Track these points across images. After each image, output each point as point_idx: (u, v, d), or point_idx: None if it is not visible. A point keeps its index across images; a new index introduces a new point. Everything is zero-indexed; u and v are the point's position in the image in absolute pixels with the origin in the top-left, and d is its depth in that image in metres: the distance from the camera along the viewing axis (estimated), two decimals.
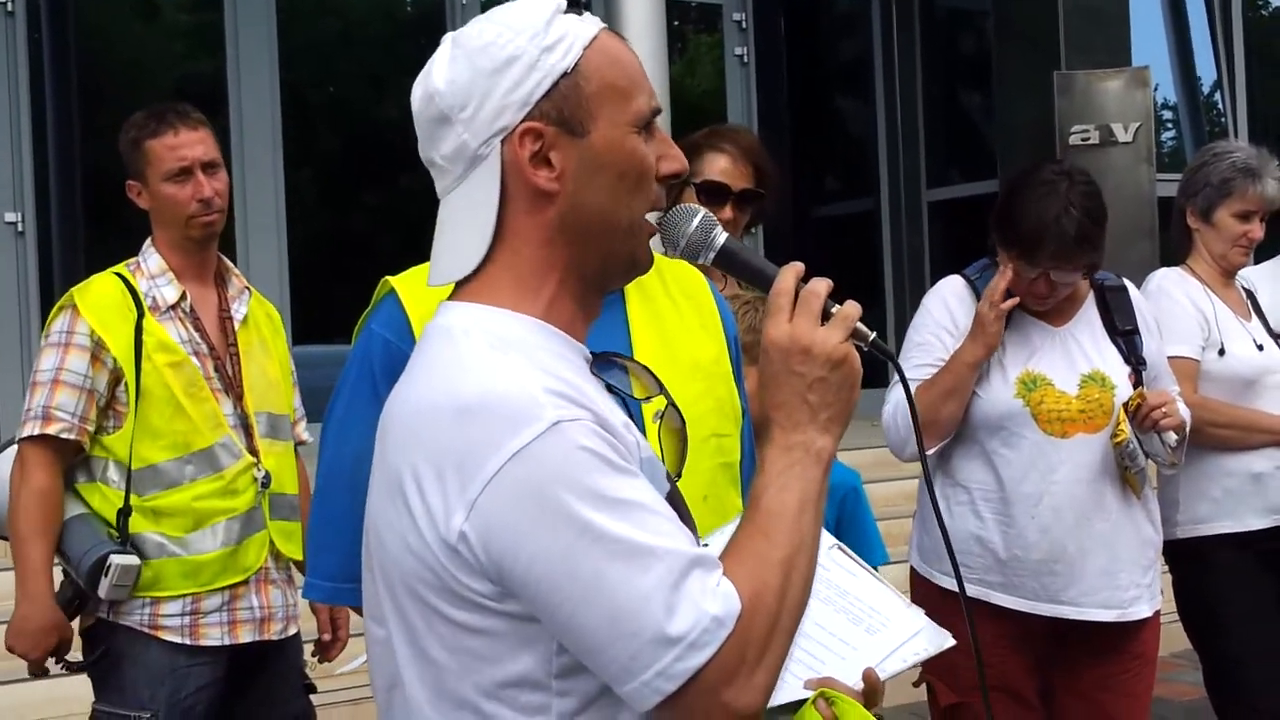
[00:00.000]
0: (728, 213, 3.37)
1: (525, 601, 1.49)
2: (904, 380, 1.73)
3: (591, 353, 1.69)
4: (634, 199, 1.64)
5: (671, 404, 1.75)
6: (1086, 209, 3.50)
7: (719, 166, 3.40)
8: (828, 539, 2.16)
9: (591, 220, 1.63)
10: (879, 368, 1.76)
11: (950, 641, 2.12)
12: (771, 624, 1.50)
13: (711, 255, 1.70)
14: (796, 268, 1.65)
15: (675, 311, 2.41)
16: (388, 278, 2.38)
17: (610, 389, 1.66)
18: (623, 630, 1.45)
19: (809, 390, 1.61)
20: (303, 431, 3.93)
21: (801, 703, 1.85)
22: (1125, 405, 3.55)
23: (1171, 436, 3.56)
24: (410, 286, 2.32)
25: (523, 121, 1.60)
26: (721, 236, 1.70)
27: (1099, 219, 3.53)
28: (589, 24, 1.65)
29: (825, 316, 1.64)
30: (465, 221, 1.64)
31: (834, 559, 2.16)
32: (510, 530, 1.47)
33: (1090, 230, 3.49)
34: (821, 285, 1.64)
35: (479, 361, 1.55)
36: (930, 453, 3.70)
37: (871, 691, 1.92)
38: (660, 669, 1.45)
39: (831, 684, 1.87)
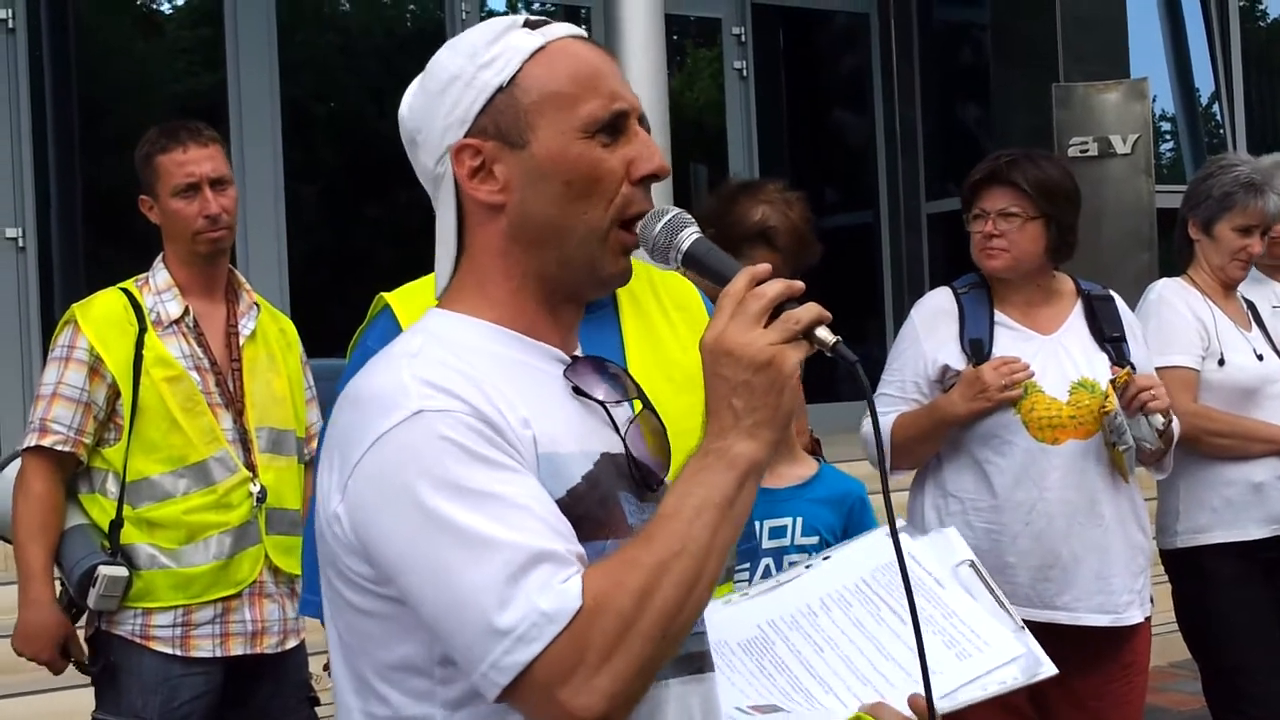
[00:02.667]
0: None
1: (391, 585, 1.53)
2: (867, 390, 1.62)
3: (573, 357, 1.70)
4: (587, 206, 1.63)
5: (648, 407, 1.74)
6: (1030, 156, 3.68)
7: (763, 261, 3.35)
8: (961, 554, 2.16)
9: (542, 229, 1.65)
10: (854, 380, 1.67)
11: (1049, 671, 2.07)
12: (622, 627, 1.45)
13: (679, 257, 1.66)
14: (754, 270, 1.59)
15: (668, 324, 2.43)
16: (383, 294, 2.41)
17: (577, 391, 1.67)
18: (461, 619, 1.46)
19: (733, 394, 1.54)
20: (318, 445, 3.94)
21: None
22: (1113, 381, 3.59)
23: (1159, 419, 3.58)
24: (405, 302, 2.34)
25: (463, 138, 1.65)
26: (689, 240, 1.65)
27: (1047, 170, 3.68)
28: (537, 37, 1.66)
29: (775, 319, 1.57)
30: (441, 237, 1.71)
31: (959, 577, 2.13)
32: (370, 513, 1.52)
33: (1027, 166, 3.65)
34: (772, 288, 1.57)
35: (388, 357, 1.61)
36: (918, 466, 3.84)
37: None
38: (492, 661, 1.45)
39: (879, 710, 1.82)
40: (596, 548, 1.56)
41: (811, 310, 1.56)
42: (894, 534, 1.65)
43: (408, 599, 1.51)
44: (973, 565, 2.19)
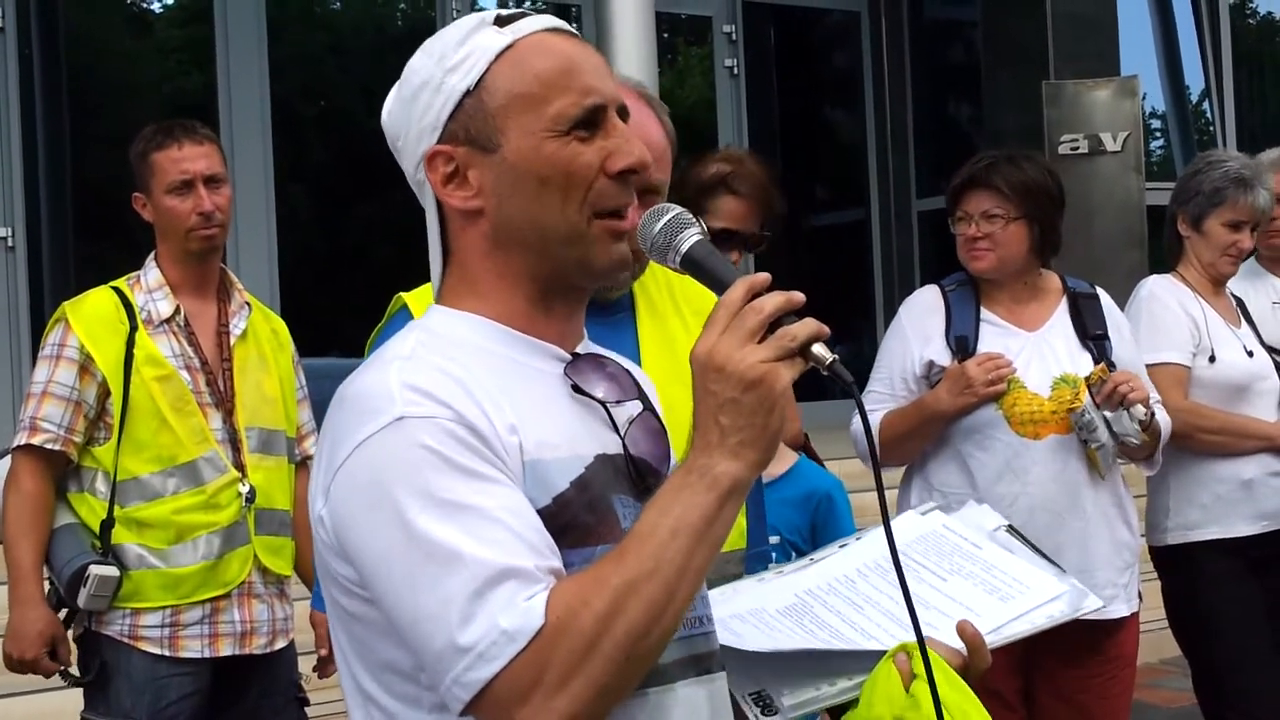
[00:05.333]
0: (734, 256, 3.37)
1: (369, 589, 1.52)
2: (863, 412, 1.60)
3: (575, 354, 1.67)
4: (565, 203, 1.59)
5: (647, 409, 1.70)
6: (1011, 158, 3.73)
7: (729, 210, 3.36)
8: (994, 520, 2.20)
9: (524, 230, 1.61)
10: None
11: (1094, 604, 2.09)
12: (584, 648, 1.43)
13: (677, 259, 1.61)
14: (752, 280, 1.53)
15: (684, 330, 2.44)
16: (401, 294, 2.44)
17: (576, 389, 1.63)
18: (427, 632, 1.45)
19: (720, 411, 1.49)
20: (310, 446, 3.94)
21: (882, 654, 1.82)
22: (1087, 378, 3.63)
23: (1140, 410, 3.60)
24: (422, 302, 2.36)
25: (434, 145, 1.63)
26: (688, 241, 1.61)
27: (1028, 171, 3.72)
28: (506, 35, 1.62)
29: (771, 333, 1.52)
30: (431, 240, 1.69)
31: (996, 539, 2.16)
32: (348, 518, 1.51)
33: (1008, 169, 3.69)
34: (770, 301, 1.51)
35: (381, 359, 1.58)
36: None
37: (973, 649, 1.84)
38: (454, 677, 1.44)
39: (928, 643, 1.81)
40: (584, 554, 1.53)
41: (809, 326, 1.51)
42: (888, 530, 1.63)
43: (381, 606, 1.50)
44: (1010, 529, 2.22)
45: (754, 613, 1.97)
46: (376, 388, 1.53)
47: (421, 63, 1.65)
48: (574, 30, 1.68)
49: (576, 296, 1.69)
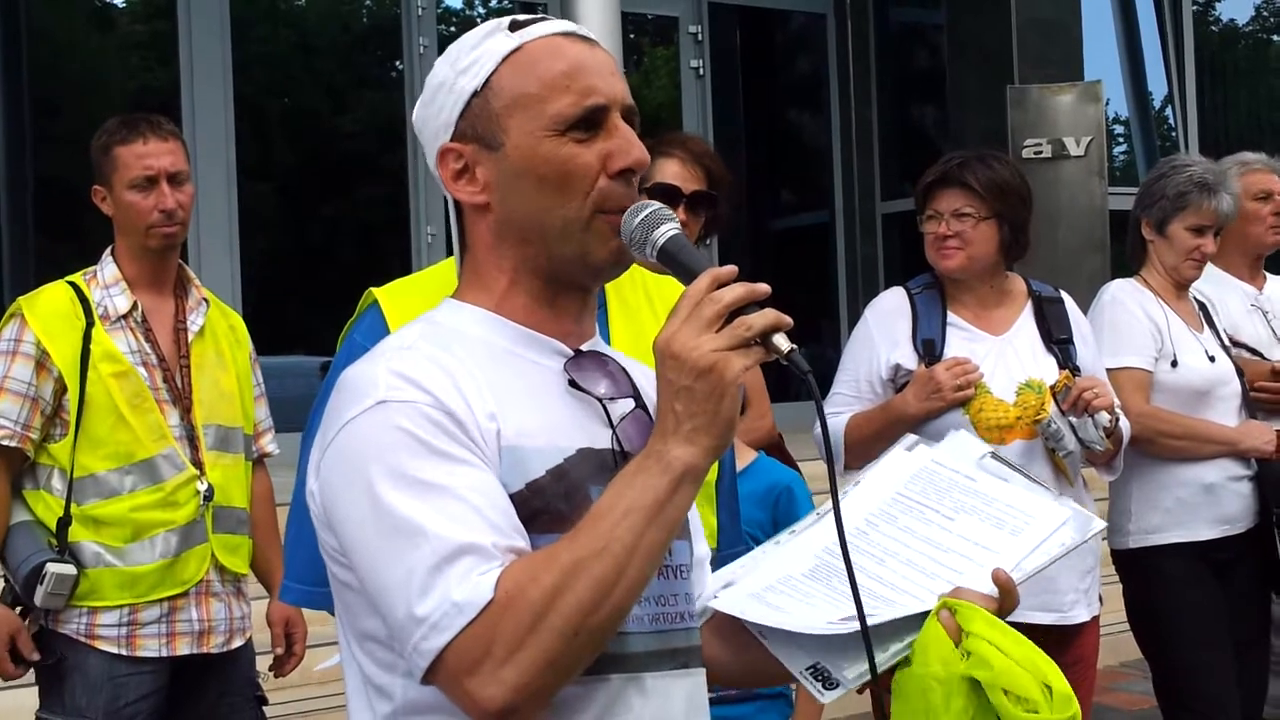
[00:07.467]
0: (680, 215, 3.38)
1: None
2: (818, 401, 1.65)
3: (577, 350, 1.74)
4: (564, 200, 1.67)
5: (640, 406, 1.75)
6: (981, 157, 3.73)
7: (670, 170, 3.41)
8: (980, 449, 2.22)
9: (525, 225, 1.70)
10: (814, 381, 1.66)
11: (1099, 525, 2.11)
12: (531, 622, 1.49)
13: (654, 252, 1.66)
14: (717, 272, 1.58)
15: (657, 324, 2.44)
16: (372, 289, 2.46)
17: (573, 384, 1.70)
18: (390, 601, 1.54)
19: (675, 398, 1.56)
20: (267, 444, 3.92)
21: (927, 614, 1.82)
22: (1052, 387, 3.64)
23: (1104, 417, 3.61)
24: (393, 297, 2.40)
25: (446, 143, 1.73)
26: (665, 235, 1.65)
27: (998, 170, 3.73)
28: (515, 39, 1.71)
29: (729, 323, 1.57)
30: (454, 235, 1.79)
31: (984, 468, 2.17)
32: (332, 493, 1.62)
33: (979, 167, 3.70)
34: (730, 292, 1.56)
35: (379, 348, 1.69)
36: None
37: (1006, 592, 1.88)
38: (413, 645, 1.52)
39: (960, 594, 1.84)
40: (555, 540, 1.57)
41: (767, 316, 1.56)
42: (840, 530, 1.68)
43: (357, 575, 1.60)
44: (994, 455, 2.22)
45: (783, 580, 2.00)
46: (366, 374, 1.62)
47: (440, 66, 1.75)
48: (587, 34, 1.76)
49: (581, 295, 1.76)
